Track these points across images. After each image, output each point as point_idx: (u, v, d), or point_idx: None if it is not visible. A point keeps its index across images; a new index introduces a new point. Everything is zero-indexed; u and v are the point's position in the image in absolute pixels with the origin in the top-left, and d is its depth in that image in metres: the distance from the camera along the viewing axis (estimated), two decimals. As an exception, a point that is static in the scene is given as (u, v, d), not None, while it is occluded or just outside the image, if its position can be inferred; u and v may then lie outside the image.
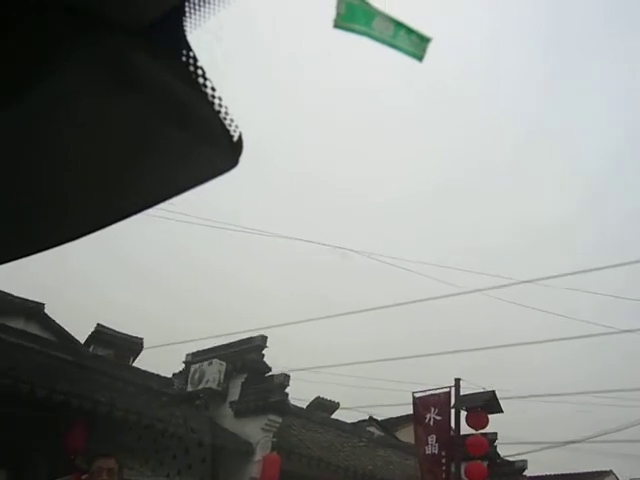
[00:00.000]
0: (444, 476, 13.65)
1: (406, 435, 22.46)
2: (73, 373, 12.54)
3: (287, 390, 12.90)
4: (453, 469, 13.70)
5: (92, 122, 0.98)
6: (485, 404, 13.85)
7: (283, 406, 12.71)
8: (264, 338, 13.81)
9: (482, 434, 13.74)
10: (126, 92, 0.92)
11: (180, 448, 11.61)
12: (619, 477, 23.27)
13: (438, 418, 14.12)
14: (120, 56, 0.89)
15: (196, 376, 13.74)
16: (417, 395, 14.76)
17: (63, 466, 10.22)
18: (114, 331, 21.52)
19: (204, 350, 14.84)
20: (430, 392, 14.64)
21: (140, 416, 11.61)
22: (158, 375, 15.59)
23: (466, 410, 14.05)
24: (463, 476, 13.60)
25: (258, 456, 12.29)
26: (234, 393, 13.46)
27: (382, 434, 20.61)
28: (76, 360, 13.47)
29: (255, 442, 12.43)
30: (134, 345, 22.21)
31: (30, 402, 10.43)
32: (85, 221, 1.24)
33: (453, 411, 14.13)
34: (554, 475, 23.78)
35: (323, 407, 22.50)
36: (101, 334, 21.30)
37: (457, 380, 14.35)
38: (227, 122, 0.98)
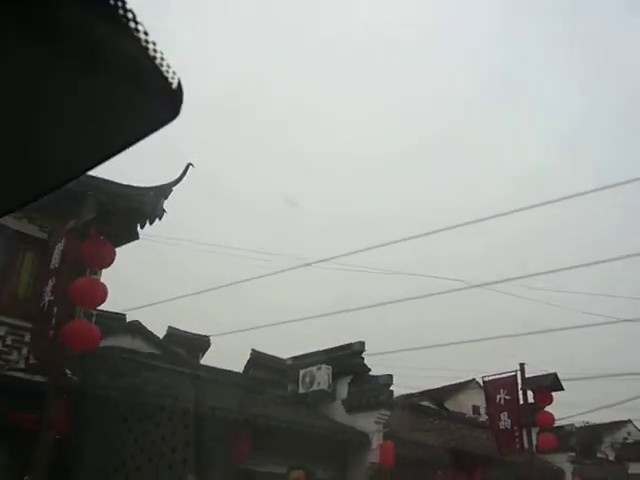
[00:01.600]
0: (518, 446, 16.36)
1: (453, 405, 25.32)
2: (211, 389, 14.89)
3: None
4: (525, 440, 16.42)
5: (9, 70, 0.90)
6: (550, 384, 16.57)
7: (391, 402, 15.28)
8: (362, 343, 16.28)
9: (549, 413, 16.50)
10: (46, 35, 0.85)
11: (312, 442, 14.11)
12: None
13: (508, 397, 16.75)
14: None
15: (307, 379, 16.20)
16: (487, 379, 17.41)
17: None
18: (183, 331, 23.82)
19: (303, 355, 17.32)
20: (498, 376, 17.26)
21: (279, 421, 14.05)
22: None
23: (532, 390, 16.77)
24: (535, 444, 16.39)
25: (374, 444, 14.85)
26: (342, 392, 15.98)
27: (435, 407, 23.27)
28: (203, 375, 15.82)
29: (370, 433, 14.97)
30: (202, 343, 24.52)
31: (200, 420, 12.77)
32: (10, 193, 1.15)
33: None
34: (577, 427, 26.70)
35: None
36: (173, 335, 23.58)
37: (522, 364, 16.99)
38: (164, 68, 0.92)
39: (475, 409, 25.85)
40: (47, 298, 9.89)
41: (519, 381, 16.90)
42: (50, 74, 0.90)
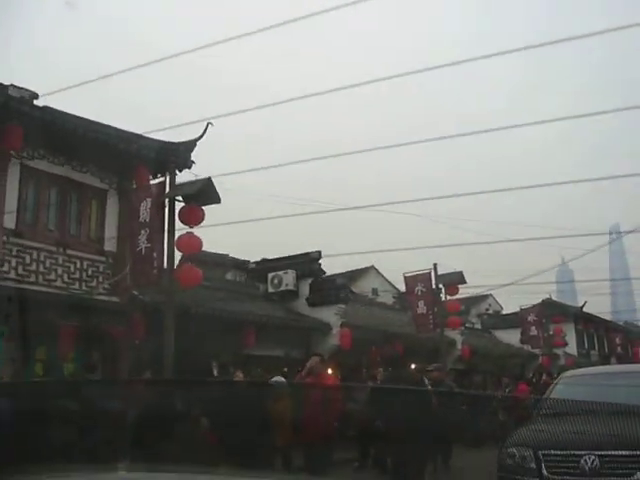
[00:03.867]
0: (431, 327, 21.63)
1: (356, 288, 30.28)
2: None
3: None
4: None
5: None
6: (457, 280, 21.85)
7: (347, 298, 19.77)
8: (319, 252, 20.39)
9: (457, 300, 21.88)
10: None
11: (284, 330, 18.27)
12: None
13: (424, 290, 21.82)
14: None
15: (275, 281, 20.18)
16: (407, 275, 22.28)
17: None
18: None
19: (266, 260, 21.29)
20: (416, 273, 22.18)
21: (270, 317, 18.07)
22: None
23: (443, 285, 22.00)
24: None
25: (335, 331, 19.35)
26: (304, 292, 20.16)
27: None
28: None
29: (332, 322, 19.43)
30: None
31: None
32: None
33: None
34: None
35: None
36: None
37: (435, 264, 22.01)
38: None
39: (374, 291, 31.09)
40: (143, 245, 12.93)
41: (433, 277, 22.01)
42: None
